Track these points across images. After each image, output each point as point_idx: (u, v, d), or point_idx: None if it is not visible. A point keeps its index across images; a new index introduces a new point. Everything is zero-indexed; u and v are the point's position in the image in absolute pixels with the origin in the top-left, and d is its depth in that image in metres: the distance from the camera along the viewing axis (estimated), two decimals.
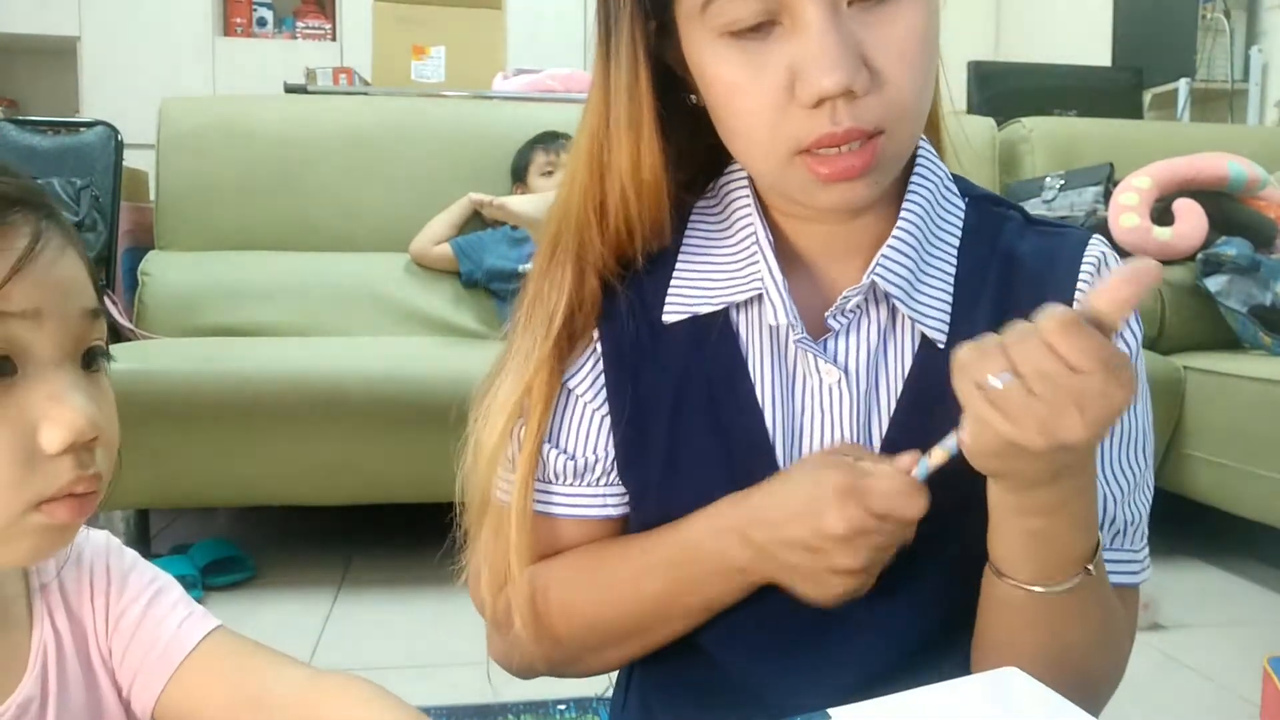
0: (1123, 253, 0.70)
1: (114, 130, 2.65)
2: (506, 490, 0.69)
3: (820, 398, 0.66)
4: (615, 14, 0.65)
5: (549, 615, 0.69)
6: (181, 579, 2.07)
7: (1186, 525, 2.30)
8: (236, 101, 2.90)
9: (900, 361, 0.66)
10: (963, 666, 0.65)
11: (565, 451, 0.70)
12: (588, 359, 0.70)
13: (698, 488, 0.67)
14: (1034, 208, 2.32)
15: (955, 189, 0.70)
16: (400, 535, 2.36)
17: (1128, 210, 2.39)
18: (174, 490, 2.04)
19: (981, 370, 0.51)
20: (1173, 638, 1.85)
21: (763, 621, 0.66)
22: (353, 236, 2.58)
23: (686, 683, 0.71)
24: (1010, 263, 0.67)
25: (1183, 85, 3.77)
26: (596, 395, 0.70)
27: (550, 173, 2.49)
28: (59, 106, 4.90)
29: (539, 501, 0.70)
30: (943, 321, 0.65)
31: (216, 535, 2.25)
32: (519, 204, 2.17)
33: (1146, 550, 0.70)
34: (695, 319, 0.68)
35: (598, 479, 0.71)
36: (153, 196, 2.63)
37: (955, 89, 3.73)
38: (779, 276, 0.65)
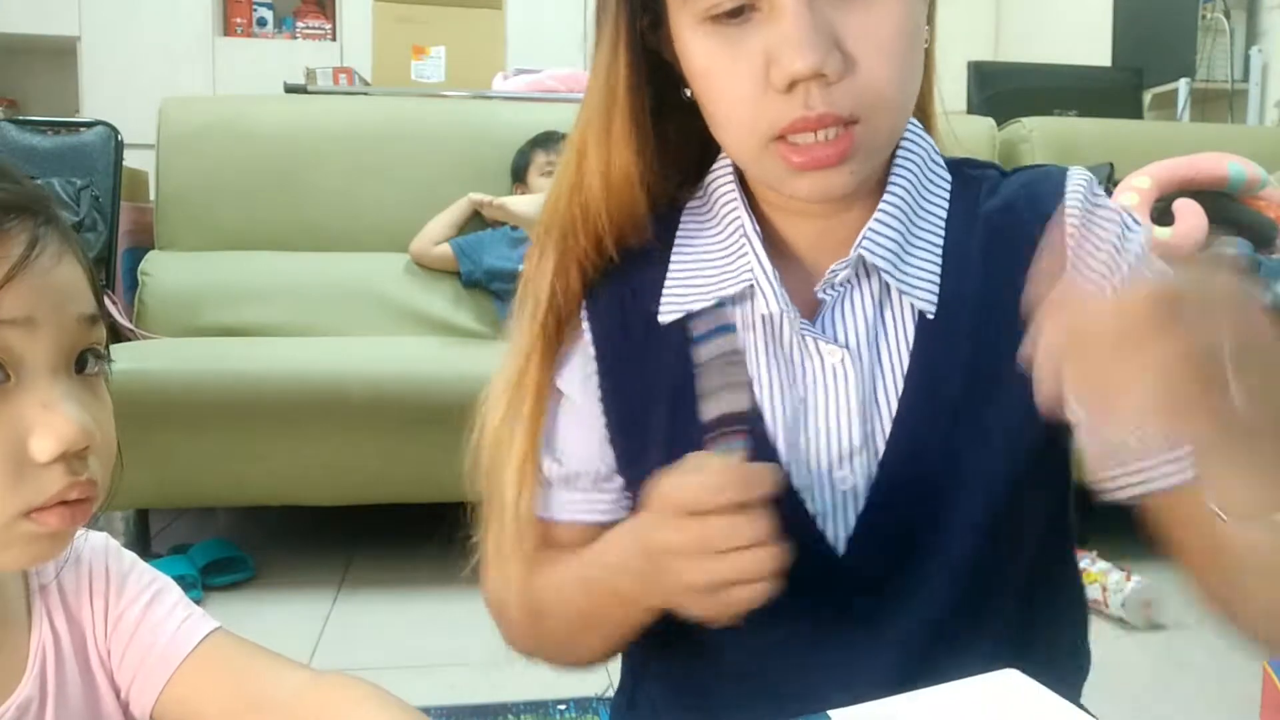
0: None
1: (114, 130, 2.65)
2: (525, 500, 0.70)
3: (824, 380, 0.66)
4: (603, 5, 0.66)
5: (534, 615, 0.71)
6: (181, 579, 2.07)
7: None
8: (236, 101, 2.90)
9: (901, 334, 0.66)
10: (973, 667, 0.65)
11: (558, 460, 0.71)
12: (578, 359, 0.70)
13: None
14: None
15: (941, 161, 0.70)
16: (400, 535, 2.36)
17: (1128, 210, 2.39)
18: (174, 490, 2.04)
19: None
20: (1173, 638, 1.85)
21: (772, 617, 0.66)
22: (353, 236, 2.58)
23: (694, 680, 0.71)
24: (993, 215, 0.67)
25: (1183, 85, 3.77)
26: (589, 397, 0.70)
27: (550, 173, 2.48)
28: (59, 106, 4.90)
29: (539, 505, 0.71)
30: (932, 293, 0.65)
31: (216, 535, 2.25)
32: (519, 204, 2.18)
33: None
34: (689, 316, 0.68)
35: (593, 483, 0.71)
36: (153, 196, 2.63)
37: (955, 89, 3.74)
38: (768, 266, 0.65)
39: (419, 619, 1.92)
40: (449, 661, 1.72)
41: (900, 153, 0.67)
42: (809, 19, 0.57)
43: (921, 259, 0.66)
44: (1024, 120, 2.91)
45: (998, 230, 0.66)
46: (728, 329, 0.60)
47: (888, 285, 0.66)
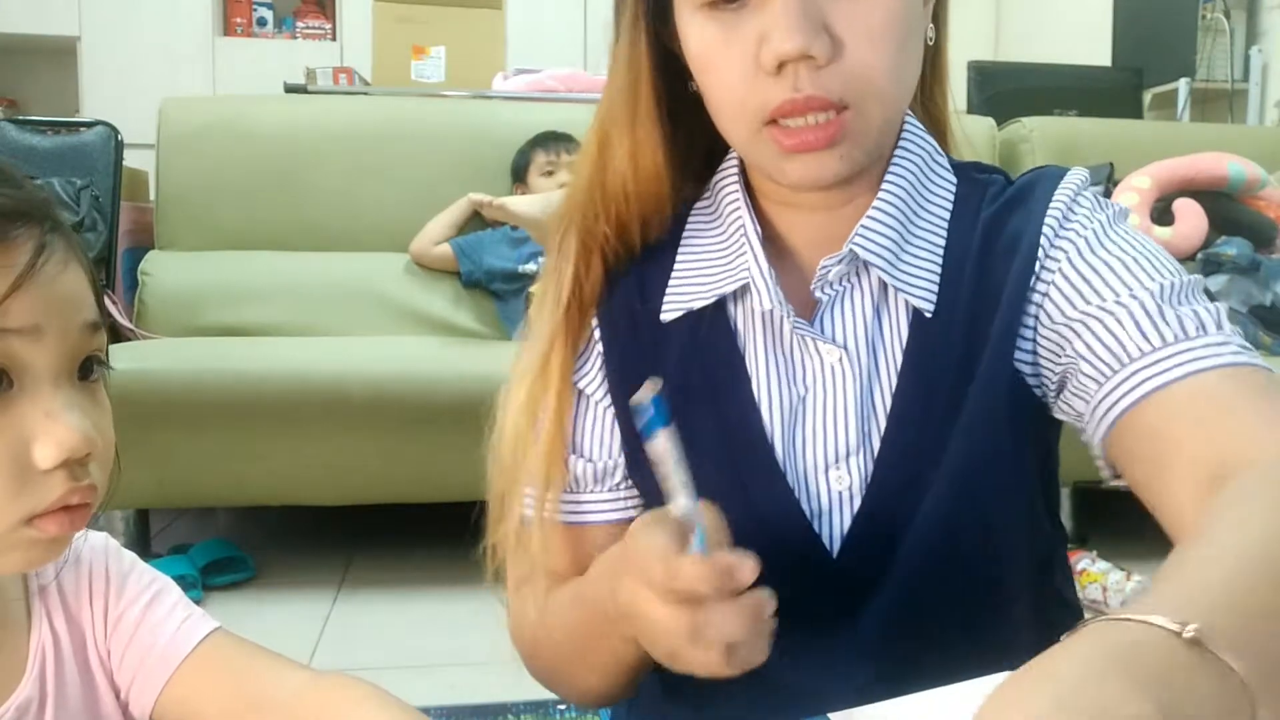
0: None
1: (114, 130, 2.65)
2: (551, 502, 0.69)
3: (822, 379, 0.66)
4: (620, 2, 0.67)
5: (545, 637, 0.70)
6: (181, 579, 2.06)
7: None
8: (236, 101, 2.90)
9: (896, 333, 0.66)
10: (968, 668, 0.65)
11: (584, 456, 0.71)
12: (593, 357, 0.71)
13: (703, 484, 0.67)
14: None
15: (945, 164, 0.71)
16: (400, 535, 2.36)
17: (1128, 210, 2.40)
18: (174, 490, 2.04)
19: None
20: None
21: (780, 615, 0.66)
22: (353, 236, 2.58)
23: (691, 680, 0.71)
24: (992, 221, 0.67)
25: (1183, 85, 3.77)
26: (605, 394, 0.70)
27: (551, 173, 2.48)
28: (59, 106, 4.89)
29: (568, 512, 0.71)
30: (930, 290, 0.65)
31: (216, 535, 2.25)
32: (519, 204, 2.17)
33: (1235, 332, 0.60)
34: (692, 315, 0.68)
35: (615, 484, 0.71)
36: (153, 196, 2.63)
37: (955, 89, 3.73)
38: (764, 262, 0.66)
39: (419, 619, 1.92)
40: (449, 661, 1.72)
41: (899, 151, 0.68)
42: (799, 2, 0.58)
43: (921, 258, 0.66)
44: (1024, 120, 2.91)
45: (993, 232, 0.67)
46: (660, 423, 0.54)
47: (885, 284, 0.66)
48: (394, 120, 2.67)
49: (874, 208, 0.65)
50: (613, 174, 0.69)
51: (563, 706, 1.52)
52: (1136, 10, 4.04)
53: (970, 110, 3.37)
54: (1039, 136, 2.86)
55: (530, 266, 2.39)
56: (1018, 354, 0.64)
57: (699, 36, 0.63)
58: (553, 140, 2.52)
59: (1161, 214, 2.43)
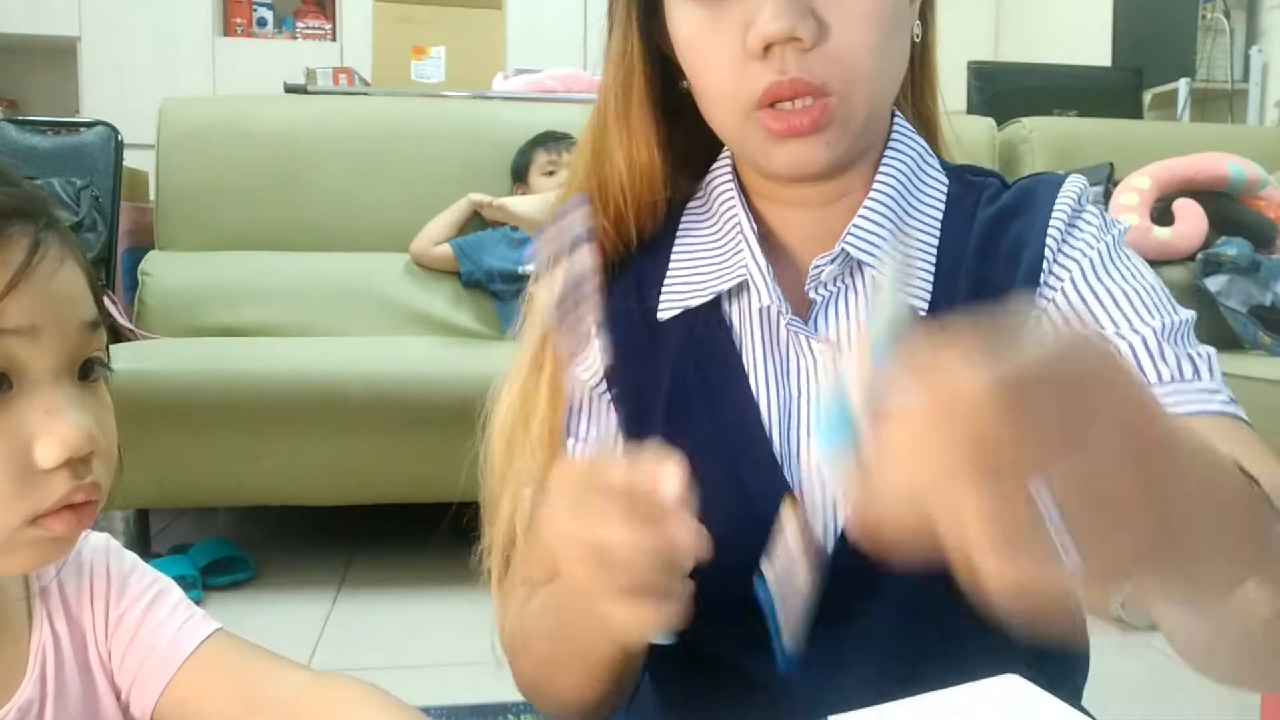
0: None
1: (114, 130, 2.65)
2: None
3: (816, 378, 0.66)
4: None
5: (523, 641, 0.69)
6: (181, 579, 2.06)
7: None
8: (236, 101, 2.90)
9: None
10: (968, 668, 0.65)
11: (584, 440, 0.70)
12: (591, 352, 0.70)
13: (700, 479, 0.67)
14: None
15: (936, 164, 0.71)
16: (400, 535, 2.36)
17: (1128, 210, 2.40)
18: (174, 490, 2.04)
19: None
20: None
21: (762, 616, 0.66)
22: (353, 236, 2.58)
23: (688, 681, 0.71)
24: (989, 225, 0.68)
25: (1183, 85, 3.77)
26: (602, 384, 0.70)
27: (551, 172, 2.48)
28: (59, 106, 4.90)
29: None
30: (923, 290, 0.65)
31: (216, 535, 2.25)
32: (519, 204, 2.17)
33: (1221, 382, 0.62)
34: (688, 313, 0.69)
35: None
36: (153, 196, 2.63)
37: (955, 89, 3.74)
38: (761, 260, 0.66)
39: (419, 619, 1.92)
40: (449, 661, 1.72)
41: (889, 150, 0.68)
42: None
43: (914, 256, 0.66)
44: (1024, 120, 2.91)
45: (991, 235, 0.67)
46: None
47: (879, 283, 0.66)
48: (394, 120, 2.67)
49: (866, 206, 0.66)
50: (609, 170, 0.69)
51: None
52: (1136, 10, 4.04)
53: (970, 110, 3.37)
54: (1039, 137, 2.86)
55: (530, 267, 2.39)
56: None
57: (687, 25, 0.63)
58: (553, 140, 2.52)
59: (1161, 214, 2.43)
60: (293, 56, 4.83)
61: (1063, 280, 0.65)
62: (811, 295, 0.66)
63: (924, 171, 0.69)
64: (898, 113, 0.70)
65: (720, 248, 0.69)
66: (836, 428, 0.35)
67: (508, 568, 0.70)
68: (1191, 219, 2.41)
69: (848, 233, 0.65)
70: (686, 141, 0.71)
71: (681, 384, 0.68)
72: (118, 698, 0.61)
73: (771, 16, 0.59)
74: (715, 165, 0.72)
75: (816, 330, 0.66)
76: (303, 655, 1.74)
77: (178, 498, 2.12)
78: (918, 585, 0.64)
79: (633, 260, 0.71)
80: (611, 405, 0.70)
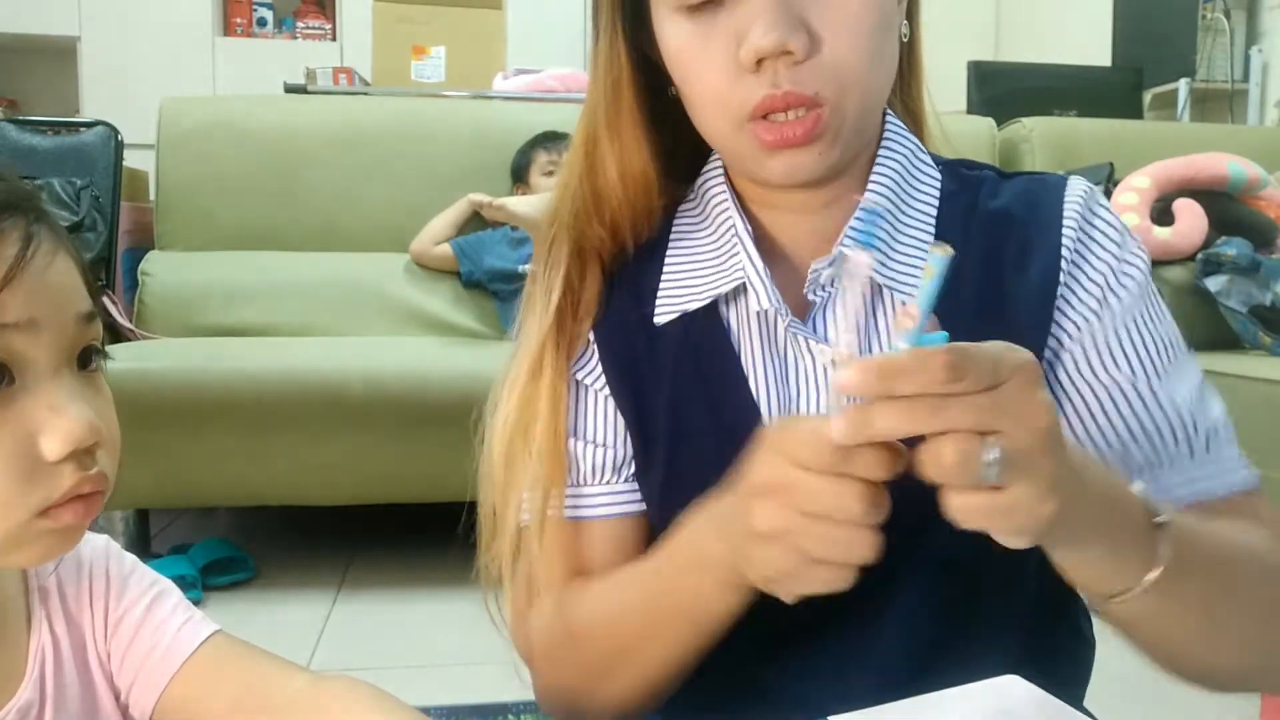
0: None
1: (114, 130, 2.65)
2: (555, 501, 0.68)
3: (816, 379, 0.66)
4: (598, 2, 0.67)
5: (556, 649, 0.69)
6: (181, 579, 2.05)
7: None
8: (236, 101, 2.90)
9: (890, 334, 0.66)
10: (970, 669, 0.65)
11: (594, 441, 0.70)
12: (589, 354, 0.70)
13: (698, 484, 0.67)
14: None
15: (929, 160, 0.71)
16: (400, 535, 2.36)
17: (1128, 210, 2.40)
18: (174, 490, 2.04)
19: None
20: None
21: (774, 618, 0.66)
22: (353, 236, 2.58)
23: (689, 682, 0.71)
24: (993, 221, 0.67)
25: (1183, 85, 3.77)
26: (604, 388, 0.70)
27: (552, 172, 2.48)
28: (59, 106, 4.90)
29: (568, 508, 0.69)
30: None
31: (216, 535, 2.25)
32: (519, 205, 2.17)
33: (1237, 452, 0.68)
34: (686, 317, 0.68)
35: (632, 474, 0.70)
36: (153, 196, 2.63)
37: (955, 89, 3.74)
38: (759, 263, 0.66)
39: (419, 619, 1.92)
40: (449, 661, 1.72)
41: (883, 150, 0.68)
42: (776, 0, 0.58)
43: (911, 255, 0.66)
44: (1024, 120, 2.91)
45: (995, 233, 0.67)
46: None
47: (880, 286, 0.66)
48: (394, 120, 2.67)
49: (861, 208, 0.65)
50: (602, 177, 0.69)
51: None
52: (1136, 10, 4.04)
53: (970, 110, 3.37)
54: (1039, 136, 2.86)
55: (530, 267, 2.39)
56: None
57: (676, 38, 0.63)
58: (554, 140, 2.52)
59: (1161, 214, 2.43)
60: (293, 56, 4.83)
61: (1085, 305, 0.65)
62: (810, 297, 0.66)
63: (916, 168, 0.69)
64: (889, 111, 0.70)
65: (716, 251, 0.69)
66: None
67: (514, 576, 0.69)
68: (1191, 219, 2.41)
69: (845, 234, 0.65)
70: (675, 144, 0.71)
71: (682, 388, 0.68)
72: (117, 698, 0.61)
73: (763, 31, 0.58)
74: (707, 168, 0.72)
75: (814, 331, 0.66)
76: (303, 655, 1.74)
77: (178, 498, 2.12)
78: (918, 590, 0.64)
79: (629, 265, 0.71)
80: (617, 409, 0.70)
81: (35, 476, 0.49)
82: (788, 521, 0.48)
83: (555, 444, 0.68)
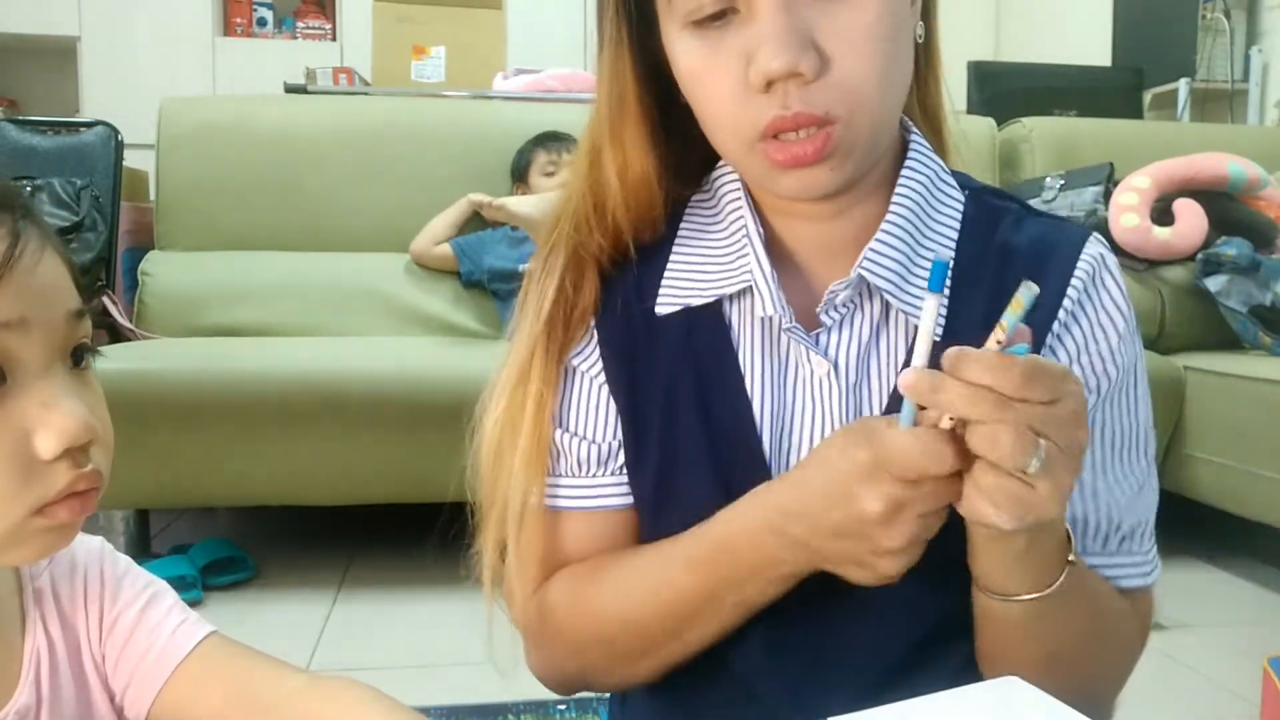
0: (1121, 252, 0.70)
1: (114, 130, 2.65)
2: (536, 492, 0.69)
3: (811, 388, 0.66)
4: (603, 13, 0.67)
5: (567, 628, 0.69)
6: (181, 579, 2.05)
7: (1186, 525, 2.30)
8: (236, 101, 2.90)
9: (893, 356, 0.66)
10: (965, 675, 0.65)
11: (579, 435, 0.70)
12: (589, 344, 0.71)
13: (689, 478, 0.67)
14: None
15: (953, 182, 0.70)
16: (400, 535, 2.36)
17: (1128, 210, 2.39)
18: (174, 490, 2.04)
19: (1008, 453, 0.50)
20: (1173, 638, 1.85)
21: (770, 620, 0.66)
22: (353, 236, 2.58)
23: (684, 684, 0.71)
24: (1006, 254, 0.67)
25: (1183, 85, 3.77)
26: (600, 374, 0.70)
27: (552, 173, 2.48)
28: (59, 106, 4.90)
29: (549, 497, 0.70)
30: (939, 315, 0.65)
31: (216, 535, 2.25)
32: (519, 205, 2.17)
33: (1154, 550, 0.70)
34: (688, 311, 0.68)
35: (618, 467, 0.70)
36: (153, 196, 2.63)
37: (955, 89, 3.73)
38: (768, 269, 0.66)
39: (419, 619, 1.92)
40: (449, 661, 1.72)
41: (905, 171, 0.67)
42: (785, 19, 0.58)
43: (927, 280, 0.66)
44: (1024, 120, 2.91)
45: (1006, 267, 0.66)
46: None
47: (888, 305, 0.65)
48: (394, 120, 2.67)
49: (882, 230, 0.65)
50: (604, 186, 0.69)
51: (562, 706, 1.52)
52: (1136, 10, 4.04)
53: (970, 110, 3.37)
54: (1039, 136, 2.86)
55: (529, 266, 2.39)
56: None
57: (686, 55, 0.62)
58: (553, 140, 2.52)
59: (1161, 214, 2.43)
60: (293, 56, 4.83)
61: (1071, 356, 0.66)
62: (823, 318, 0.66)
63: (940, 190, 0.69)
64: (912, 126, 0.69)
65: (726, 250, 0.69)
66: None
67: (500, 570, 0.70)
68: (1191, 219, 2.41)
69: (864, 258, 0.64)
70: (684, 145, 0.70)
71: (677, 381, 0.68)
72: (111, 700, 0.61)
73: (772, 54, 0.57)
74: (722, 163, 0.71)
75: (816, 342, 0.66)
76: (303, 655, 1.74)
77: (178, 498, 2.12)
78: (907, 593, 0.64)
79: (632, 260, 0.71)
80: (611, 398, 0.70)
81: (30, 474, 0.49)
82: (916, 529, 0.55)
83: (540, 450, 0.69)
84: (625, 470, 0.70)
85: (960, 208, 0.69)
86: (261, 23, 5.29)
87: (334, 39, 5.24)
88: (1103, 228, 2.33)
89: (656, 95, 0.68)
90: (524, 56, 3.63)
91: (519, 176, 2.56)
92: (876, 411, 0.66)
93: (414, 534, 2.25)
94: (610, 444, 0.70)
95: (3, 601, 0.59)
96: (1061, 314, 0.65)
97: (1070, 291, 0.66)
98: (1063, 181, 2.60)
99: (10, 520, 0.49)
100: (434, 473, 1.91)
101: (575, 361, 0.70)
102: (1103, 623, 0.65)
